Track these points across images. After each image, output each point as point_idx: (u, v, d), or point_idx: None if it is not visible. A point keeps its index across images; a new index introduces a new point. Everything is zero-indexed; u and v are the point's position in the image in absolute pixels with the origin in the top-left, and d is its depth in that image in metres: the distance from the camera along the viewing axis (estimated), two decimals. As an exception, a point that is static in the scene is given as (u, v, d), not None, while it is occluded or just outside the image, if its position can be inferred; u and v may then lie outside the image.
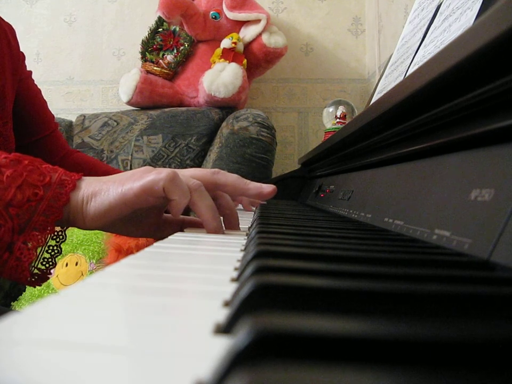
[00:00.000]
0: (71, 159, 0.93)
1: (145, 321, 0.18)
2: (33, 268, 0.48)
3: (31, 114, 0.86)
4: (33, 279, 0.48)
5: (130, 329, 0.18)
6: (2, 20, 0.80)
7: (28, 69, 0.89)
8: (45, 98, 0.93)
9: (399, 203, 0.49)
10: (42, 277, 0.49)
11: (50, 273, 0.50)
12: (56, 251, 0.51)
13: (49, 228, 0.45)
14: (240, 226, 0.58)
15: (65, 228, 0.51)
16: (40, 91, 0.91)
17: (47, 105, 0.92)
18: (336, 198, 0.84)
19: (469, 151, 0.37)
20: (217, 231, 0.50)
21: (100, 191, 0.47)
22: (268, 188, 0.54)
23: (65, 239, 0.50)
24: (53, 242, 0.51)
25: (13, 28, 0.83)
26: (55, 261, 0.51)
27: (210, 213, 0.49)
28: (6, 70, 0.76)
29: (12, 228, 0.43)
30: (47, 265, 0.51)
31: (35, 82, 0.90)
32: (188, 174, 0.51)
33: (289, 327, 0.13)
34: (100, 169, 0.91)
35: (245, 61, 1.79)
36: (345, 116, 1.52)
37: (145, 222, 0.55)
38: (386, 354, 0.12)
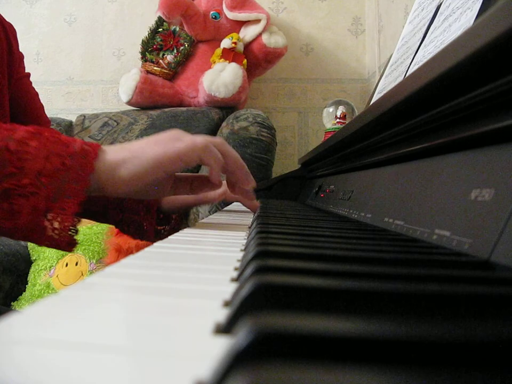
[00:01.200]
0: None
1: (145, 321, 0.18)
2: (73, 232, 0.49)
3: (27, 115, 0.85)
4: (68, 245, 0.49)
5: (130, 329, 0.18)
6: (4, 19, 0.80)
7: (28, 69, 0.89)
8: (45, 98, 0.92)
9: (399, 203, 0.49)
10: (74, 243, 0.50)
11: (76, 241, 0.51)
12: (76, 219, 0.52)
13: (80, 195, 0.47)
14: (239, 226, 0.58)
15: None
16: (38, 94, 0.90)
17: (43, 109, 0.91)
18: (336, 198, 0.84)
19: (469, 151, 0.37)
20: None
21: (130, 158, 0.50)
22: (251, 196, 0.62)
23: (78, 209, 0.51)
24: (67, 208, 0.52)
25: (13, 28, 0.83)
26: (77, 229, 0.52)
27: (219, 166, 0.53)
28: (4, 69, 0.76)
29: (46, 195, 0.46)
30: (74, 231, 0.52)
31: (33, 85, 0.90)
32: (202, 139, 0.53)
33: (289, 327, 0.13)
34: None
35: (245, 61, 1.79)
36: (345, 116, 1.52)
37: (166, 184, 0.58)
38: (387, 354, 0.12)
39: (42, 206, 0.46)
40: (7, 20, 0.83)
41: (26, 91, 0.86)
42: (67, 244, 0.49)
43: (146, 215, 0.74)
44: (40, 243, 0.48)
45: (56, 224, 0.46)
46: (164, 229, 0.78)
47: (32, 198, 0.45)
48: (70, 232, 0.48)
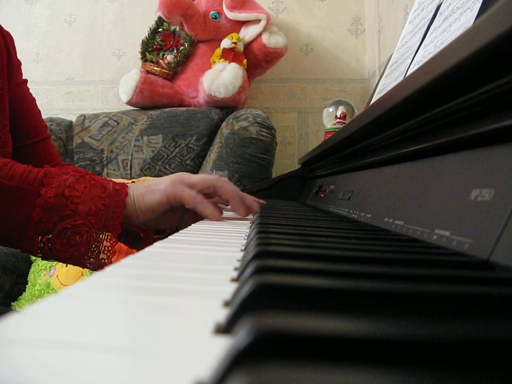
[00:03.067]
0: None
1: (145, 321, 0.18)
2: (109, 260, 0.62)
3: (24, 119, 0.86)
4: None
5: (130, 329, 0.18)
6: (2, 27, 0.82)
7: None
8: (45, 98, 0.93)
9: (399, 203, 0.49)
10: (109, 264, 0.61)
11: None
12: (112, 251, 0.64)
13: (118, 229, 0.60)
14: (239, 226, 0.58)
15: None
16: (35, 100, 0.92)
17: (40, 115, 0.92)
18: (336, 198, 0.84)
19: (469, 151, 0.37)
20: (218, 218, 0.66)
21: (147, 192, 0.63)
22: (253, 207, 0.72)
23: (117, 243, 0.64)
24: (108, 244, 0.64)
25: (11, 35, 0.86)
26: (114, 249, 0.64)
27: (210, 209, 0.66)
28: (5, 76, 0.78)
29: (94, 232, 0.58)
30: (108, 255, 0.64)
31: (32, 87, 0.91)
32: (195, 181, 0.67)
33: (289, 327, 0.13)
34: None
35: (245, 61, 1.79)
36: (345, 116, 1.52)
37: (176, 214, 0.71)
38: (386, 355, 0.12)
39: (92, 241, 0.58)
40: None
41: (24, 97, 0.88)
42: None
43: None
44: (87, 267, 0.60)
45: (102, 255, 0.59)
46: (159, 238, 0.81)
47: (85, 235, 0.57)
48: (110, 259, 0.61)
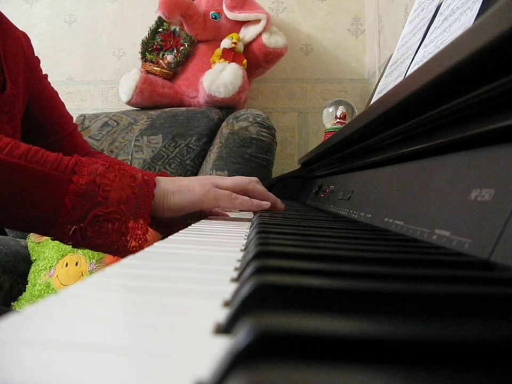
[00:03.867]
0: None
1: (146, 321, 0.18)
2: (141, 248, 0.61)
3: (48, 115, 0.88)
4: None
5: (131, 329, 0.18)
6: (17, 28, 0.82)
7: (40, 65, 0.91)
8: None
9: (399, 203, 0.49)
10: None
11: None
12: (143, 239, 0.64)
13: (147, 218, 0.60)
14: (238, 229, 0.58)
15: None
16: (57, 93, 0.93)
17: (64, 107, 0.94)
18: (336, 198, 0.84)
19: (469, 151, 0.37)
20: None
21: (179, 190, 0.63)
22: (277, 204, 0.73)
23: (148, 231, 0.64)
24: (139, 232, 0.64)
25: (27, 36, 0.87)
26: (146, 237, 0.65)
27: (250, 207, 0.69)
28: (20, 79, 0.79)
29: (125, 220, 0.59)
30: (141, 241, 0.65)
31: (51, 85, 0.92)
32: (228, 185, 0.68)
33: (289, 327, 0.13)
34: None
35: (245, 61, 1.79)
36: (345, 116, 1.52)
37: (197, 213, 0.73)
38: (386, 355, 0.12)
39: (123, 229, 0.59)
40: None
41: (47, 92, 0.91)
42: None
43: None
44: (118, 255, 0.61)
45: (133, 243, 0.60)
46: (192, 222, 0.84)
47: (117, 222, 0.58)
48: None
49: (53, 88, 0.92)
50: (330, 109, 1.68)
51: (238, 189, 0.68)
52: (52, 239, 0.60)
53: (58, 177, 0.57)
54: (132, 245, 0.60)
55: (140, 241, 0.60)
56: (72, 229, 0.57)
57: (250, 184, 0.70)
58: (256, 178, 0.73)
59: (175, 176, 0.88)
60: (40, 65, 0.90)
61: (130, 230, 0.59)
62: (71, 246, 0.60)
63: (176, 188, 0.63)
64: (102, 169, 0.59)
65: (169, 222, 0.79)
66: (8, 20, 0.80)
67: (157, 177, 0.64)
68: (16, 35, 0.81)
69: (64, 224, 0.57)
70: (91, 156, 0.95)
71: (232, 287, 0.24)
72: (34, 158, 0.57)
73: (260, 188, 0.72)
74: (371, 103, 0.83)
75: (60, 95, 0.96)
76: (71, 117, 0.95)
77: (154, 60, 1.91)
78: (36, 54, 0.92)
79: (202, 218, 0.76)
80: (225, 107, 1.79)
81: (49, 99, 0.89)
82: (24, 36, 0.85)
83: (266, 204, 0.68)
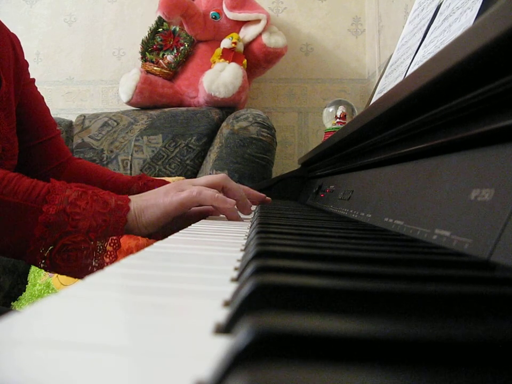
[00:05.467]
0: (73, 166, 0.95)
1: (145, 321, 0.18)
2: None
3: (34, 118, 0.89)
4: None
5: (130, 329, 0.18)
6: (8, 29, 0.83)
7: (28, 69, 0.91)
8: (45, 98, 0.94)
9: (399, 203, 0.49)
10: None
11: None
12: (113, 255, 0.65)
13: (118, 245, 0.61)
14: (238, 229, 0.58)
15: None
16: (43, 98, 0.94)
17: (49, 112, 0.94)
18: (336, 198, 0.84)
19: (469, 151, 0.37)
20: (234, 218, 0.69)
21: (146, 206, 0.63)
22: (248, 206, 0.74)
23: (120, 247, 0.65)
24: (110, 248, 0.65)
25: (17, 38, 0.88)
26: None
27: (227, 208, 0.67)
28: (12, 77, 0.79)
29: (94, 247, 0.59)
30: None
31: (38, 90, 0.92)
32: (203, 182, 0.68)
33: (289, 327, 0.13)
34: (101, 176, 0.93)
35: (245, 61, 1.79)
36: (345, 116, 1.52)
37: (180, 220, 0.71)
38: (387, 355, 0.12)
39: (91, 256, 0.59)
40: (7, 20, 0.85)
41: (33, 96, 0.91)
42: None
43: None
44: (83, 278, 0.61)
45: (105, 259, 0.60)
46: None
47: (85, 251, 0.59)
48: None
49: (39, 93, 0.93)
50: (330, 109, 1.68)
51: (212, 186, 0.68)
52: (25, 263, 0.62)
53: (29, 207, 0.58)
54: (100, 263, 0.61)
55: (111, 257, 0.61)
56: (42, 256, 0.58)
57: (225, 181, 0.70)
58: (225, 175, 0.73)
59: (156, 180, 0.89)
60: (29, 69, 0.90)
61: (99, 257, 0.60)
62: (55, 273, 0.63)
63: (144, 205, 0.63)
64: (75, 196, 0.59)
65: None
66: (0, 20, 0.81)
67: (131, 198, 0.64)
68: (7, 36, 0.81)
69: (33, 252, 0.58)
70: (71, 162, 0.95)
71: (232, 287, 0.24)
72: (6, 189, 0.58)
73: (234, 185, 0.72)
74: (371, 103, 0.83)
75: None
76: (55, 123, 0.96)
77: (154, 60, 1.91)
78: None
79: (190, 220, 0.75)
80: (225, 107, 1.79)
81: (36, 103, 0.90)
82: (15, 38, 0.86)
83: (231, 202, 0.67)
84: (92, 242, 0.59)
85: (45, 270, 0.61)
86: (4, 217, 0.57)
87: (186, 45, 1.89)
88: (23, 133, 0.85)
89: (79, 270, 0.60)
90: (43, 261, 0.59)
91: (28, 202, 0.58)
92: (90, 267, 0.60)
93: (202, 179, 0.70)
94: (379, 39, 1.85)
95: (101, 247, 0.60)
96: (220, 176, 0.71)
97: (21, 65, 0.84)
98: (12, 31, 0.86)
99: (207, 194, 0.64)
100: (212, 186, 0.68)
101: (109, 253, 0.60)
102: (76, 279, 0.64)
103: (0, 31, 0.79)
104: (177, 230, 0.75)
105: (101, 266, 0.61)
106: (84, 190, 0.61)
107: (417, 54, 0.75)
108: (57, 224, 0.57)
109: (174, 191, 0.64)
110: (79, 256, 0.59)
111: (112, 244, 0.61)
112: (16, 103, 0.83)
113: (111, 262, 0.61)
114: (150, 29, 1.93)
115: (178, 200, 0.63)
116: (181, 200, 0.63)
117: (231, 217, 0.69)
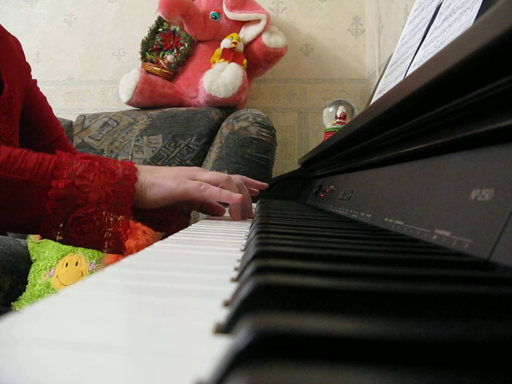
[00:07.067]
0: None
1: (145, 321, 0.18)
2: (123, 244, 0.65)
3: (39, 121, 0.90)
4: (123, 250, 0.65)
5: (130, 329, 0.18)
6: (9, 33, 0.83)
7: (31, 72, 0.92)
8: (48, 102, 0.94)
9: (399, 203, 0.49)
10: (123, 248, 0.66)
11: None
12: (126, 224, 0.65)
13: (129, 214, 0.62)
14: (238, 229, 0.58)
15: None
16: (46, 98, 0.94)
17: (52, 111, 0.95)
18: (336, 198, 0.84)
19: (469, 151, 0.37)
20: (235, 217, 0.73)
21: (154, 184, 0.64)
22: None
23: (132, 216, 0.65)
24: (122, 217, 0.65)
25: (18, 41, 0.88)
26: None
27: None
28: (14, 81, 0.80)
29: (106, 218, 0.61)
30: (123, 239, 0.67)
31: (40, 90, 0.93)
32: (205, 178, 0.69)
33: (289, 327, 0.13)
34: None
35: (245, 61, 1.79)
36: (345, 116, 1.52)
37: (182, 202, 0.72)
38: (387, 355, 0.12)
39: (104, 226, 0.61)
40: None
41: (37, 98, 0.91)
42: (123, 250, 0.64)
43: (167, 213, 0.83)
44: (102, 251, 0.64)
45: (117, 238, 0.62)
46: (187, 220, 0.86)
47: (97, 222, 0.60)
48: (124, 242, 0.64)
49: (41, 93, 0.93)
50: (330, 109, 1.68)
51: (214, 183, 0.68)
52: (40, 238, 0.63)
53: (38, 184, 0.58)
54: (114, 243, 0.62)
55: (124, 227, 0.62)
56: (56, 231, 0.60)
57: (226, 183, 0.70)
58: (229, 176, 0.73)
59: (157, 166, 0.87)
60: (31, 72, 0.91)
61: (111, 228, 0.61)
62: (71, 246, 0.63)
63: (151, 181, 0.64)
64: (82, 168, 0.60)
65: (163, 219, 0.80)
66: (0, 24, 0.81)
67: (139, 168, 0.65)
68: (8, 40, 0.82)
69: (47, 228, 0.59)
70: None
71: (232, 287, 0.24)
72: (13, 167, 0.58)
73: (234, 186, 0.72)
74: (371, 103, 0.83)
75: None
76: (59, 122, 0.97)
77: (154, 60, 1.91)
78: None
79: (193, 208, 0.79)
80: (225, 107, 1.79)
81: (39, 104, 0.91)
82: (16, 41, 0.86)
83: (237, 196, 0.67)
84: (104, 213, 0.60)
85: (61, 243, 0.62)
86: (14, 196, 0.58)
87: (186, 45, 1.89)
88: (31, 134, 0.86)
89: (93, 241, 0.61)
90: (58, 235, 0.60)
91: (37, 179, 0.58)
92: (104, 237, 0.61)
93: (207, 174, 0.70)
94: (379, 39, 1.85)
95: (113, 216, 0.61)
96: (223, 177, 0.71)
97: (23, 69, 0.85)
98: (12, 31, 0.86)
99: (212, 191, 0.65)
100: (213, 183, 0.68)
101: (121, 222, 0.61)
102: (93, 249, 0.64)
103: (2, 36, 0.79)
104: (175, 210, 0.78)
105: (114, 236, 0.62)
106: (90, 161, 0.61)
107: (417, 54, 0.75)
108: (68, 198, 0.58)
109: (183, 178, 0.66)
110: (91, 227, 0.60)
111: (123, 213, 0.62)
112: (21, 106, 0.83)
113: (124, 231, 0.62)
114: (150, 29, 1.93)
115: (185, 188, 0.64)
116: (188, 190, 0.64)
117: (234, 212, 0.72)
